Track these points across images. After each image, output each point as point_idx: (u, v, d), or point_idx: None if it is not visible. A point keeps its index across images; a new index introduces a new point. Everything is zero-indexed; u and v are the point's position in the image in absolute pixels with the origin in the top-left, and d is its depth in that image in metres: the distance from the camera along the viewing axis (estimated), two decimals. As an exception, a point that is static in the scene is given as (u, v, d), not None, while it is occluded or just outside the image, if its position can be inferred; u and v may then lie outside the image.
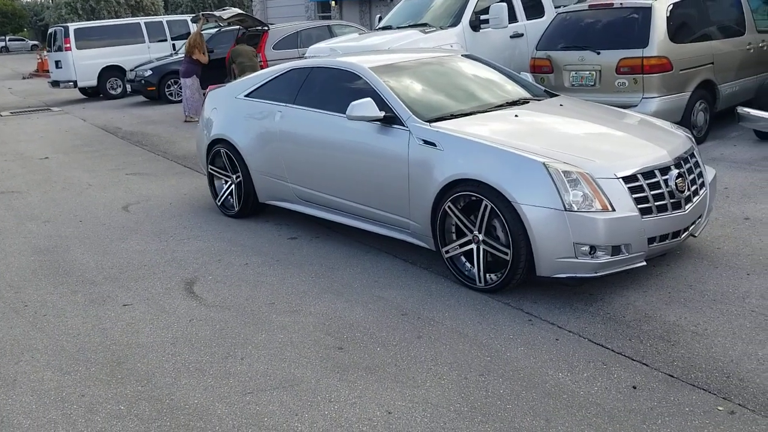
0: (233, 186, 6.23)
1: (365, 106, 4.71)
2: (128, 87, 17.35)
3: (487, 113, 4.82)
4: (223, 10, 13.07)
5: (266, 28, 13.53)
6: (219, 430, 2.98)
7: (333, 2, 21.44)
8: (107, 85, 18.11)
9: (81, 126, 13.51)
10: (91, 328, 4.09)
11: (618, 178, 3.96)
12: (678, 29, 7.55)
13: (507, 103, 5.08)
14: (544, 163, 3.94)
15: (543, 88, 5.71)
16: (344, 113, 5.05)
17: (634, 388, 3.14)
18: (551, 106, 5.06)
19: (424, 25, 9.19)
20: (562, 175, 3.90)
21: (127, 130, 12.53)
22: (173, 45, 18.74)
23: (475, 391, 3.18)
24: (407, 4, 10.14)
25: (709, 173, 4.66)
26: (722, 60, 7.97)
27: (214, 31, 16.50)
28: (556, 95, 5.48)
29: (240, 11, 13.22)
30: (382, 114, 4.72)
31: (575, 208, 3.85)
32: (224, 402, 3.19)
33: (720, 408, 2.94)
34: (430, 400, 3.13)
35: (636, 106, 7.25)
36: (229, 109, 6.22)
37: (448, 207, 4.33)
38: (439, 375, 3.34)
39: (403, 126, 4.66)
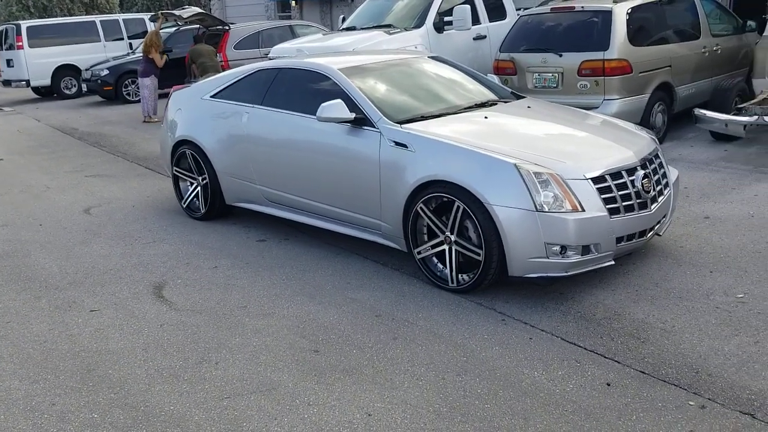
0: (199, 188, 6.15)
1: (336, 108, 4.71)
2: (84, 86, 16.96)
3: (456, 115, 4.86)
4: (183, 8, 12.89)
5: (227, 27, 13.38)
6: (197, 436, 2.95)
7: (293, 2, 21.31)
8: (62, 85, 17.70)
9: (35, 126, 13.17)
10: (58, 334, 3.99)
11: (587, 179, 4.04)
12: (637, 33, 7.72)
13: (476, 104, 5.13)
14: (515, 165, 4.00)
15: (509, 90, 5.78)
16: (313, 114, 5.03)
17: (608, 385, 3.20)
18: (519, 108, 5.13)
19: (389, 26, 9.21)
20: (533, 176, 3.95)
21: (84, 130, 12.26)
22: (130, 44, 18.40)
23: (453, 391, 3.20)
24: (371, 4, 10.15)
25: (673, 174, 4.78)
26: (679, 63, 8.18)
27: (172, 30, 16.25)
28: (523, 97, 5.56)
29: (200, 10, 13.06)
30: (352, 116, 4.72)
31: (546, 209, 3.91)
32: (201, 408, 3.15)
33: (691, 403, 3.02)
34: (408, 401, 3.14)
35: (597, 107, 7.38)
36: (194, 110, 6.14)
37: (420, 208, 4.35)
38: (416, 376, 3.36)
39: (374, 127, 4.67)
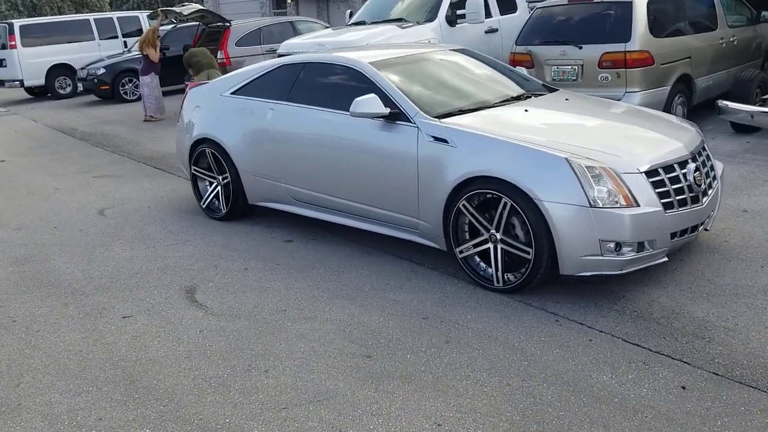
0: (219, 187, 5.96)
1: (370, 102, 4.54)
2: (79, 86, 16.69)
3: (494, 108, 4.70)
4: (183, 5, 12.64)
5: (227, 24, 13.16)
6: (260, 451, 2.78)
7: (289, -2, 21.09)
8: (56, 84, 17.39)
9: (33, 127, 12.90)
10: (93, 343, 3.80)
11: (641, 173, 3.89)
12: (657, 24, 7.59)
13: (511, 98, 4.98)
14: (566, 159, 3.85)
15: (540, 82, 5.63)
16: (343, 110, 4.89)
17: (683, 388, 3.06)
18: (558, 101, 4.98)
19: (401, 20, 9.04)
20: (586, 170, 3.81)
21: (84, 130, 12.02)
22: (125, 42, 18.13)
23: (522, 398, 3.05)
24: (380, -1, 9.97)
25: (718, 167, 4.65)
26: (698, 54, 8.06)
27: (169, 27, 16.00)
28: (556, 90, 5.41)
29: (200, 7, 12.83)
30: (387, 110, 4.55)
31: (600, 204, 3.77)
32: (258, 420, 2.99)
33: (775, 406, 2.89)
34: (477, 409, 2.98)
35: (620, 100, 7.24)
36: (214, 108, 5.95)
37: (463, 205, 4.20)
38: (479, 382, 3.20)
39: (410, 122, 4.50)
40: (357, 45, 8.16)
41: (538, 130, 4.26)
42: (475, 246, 4.25)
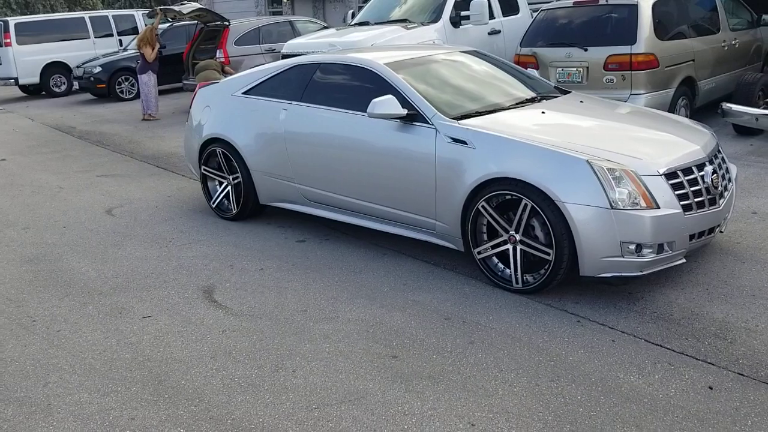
0: (230, 187, 5.96)
1: (388, 104, 4.56)
2: (75, 84, 16.60)
3: (511, 110, 4.73)
4: (182, 4, 12.60)
5: (226, 23, 13.12)
6: (296, 451, 2.80)
7: (285, -3, 21.05)
8: (50, 83, 17.29)
9: (30, 125, 12.82)
10: (116, 343, 3.80)
11: (660, 175, 3.93)
12: (661, 27, 7.66)
13: (526, 99, 5.01)
14: (587, 161, 3.88)
15: (552, 84, 5.66)
16: (358, 110, 4.91)
17: (711, 388, 3.10)
18: (573, 103, 5.02)
19: (405, 20, 9.06)
20: (607, 172, 3.84)
21: (82, 129, 11.96)
22: (120, 41, 18.05)
23: (553, 399, 3.08)
24: (383, -1, 9.99)
25: (732, 169, 4.70)
26: (701, 57, 8.14)
27: (166, 26, 15.95)
28: (568, 92, 5.45)
29: (200, 6, 12.79)
30: (405, 111, 4.57)
31: (621, 206, 3.80)
32: (292, 420, 3.00)
33: (803, 406, 2.93)
34: (509, 409, 3.01)
35: (625, 102, 7.30)
36: (225, 107, 5.95)
37: (482, 207, 4.22)
38: (508, 382, 3.23)
39: (428, 123, 4.53)
40: (364, 45, 8.18)
41: (557, 132, 4.29)
42: (493, 247, 4.28)
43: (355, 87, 5.10)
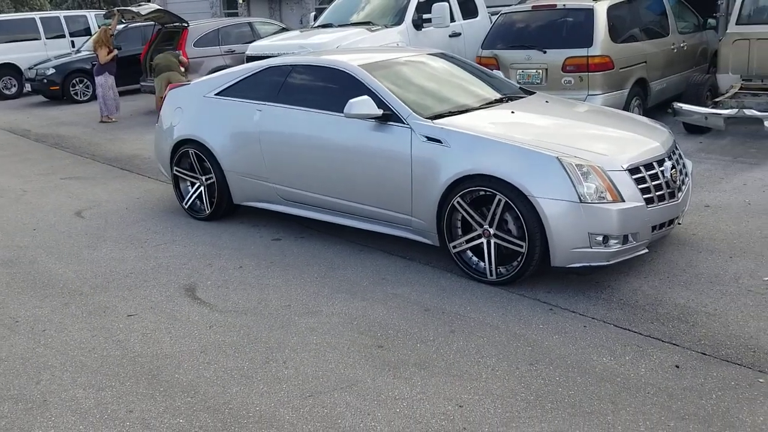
0: (203, 188, 6.02)
1: (364, 104, 4.70)
2: (27, 86, 16.25)
3: (482, 110, 4.93)
4: (140, 5, 12.50)
5: (185, 24, 13.06)
6: (295, 435, 2.92)
7: (240, -1, 20.97)
8: (0, 85, 16.88)
9: (-18, 129, 12.53)
10: (104, 340, 3.86)
11: (624, 170, 4.18)
12: (616, 30, 8.00)
13: (495, 100, 5.22)
14: (558, 158, 4.10)
15: (517, 85, 5.90)
16: (333, 111, 5.05)
17: (677, 367, 3.34)
18: (539, 104, 5.25)
19: (368, 23, 9.22)
20: (576, 168, 4.07)
21: (38, 132, 11.78)
22: (72, 42, 17.74)
23: (533, 380, 3.27)
24: (345, 1, 10.12)
25: (688, 165, 4.99)
26: (653, 59, 8.52)
27: (120, 27, 15.74)
28: (533, 92, 5.68)
29: (158, 7, 12.71)
30: (380, 112, 4.73)
31: (589, 200, 4.03)
32: (288, 407, 3.12)
33: (761, 380, 3.19)
34: (493, 391, 3.19)
35: (583, 102, 7.60)
36: (197, 109, 6.00)
37: (457, 203, 4.41)
38: (490, 366, 3.41)
39: (403, 123, 4.69)
40: (329, 47, 8.31)
41: (527, 131, 4.51)
42: (468, 241, 4.46)
43: (330, 88, 5.24)
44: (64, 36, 17.79)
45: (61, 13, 18.28)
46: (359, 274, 4.71)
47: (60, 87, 15.24)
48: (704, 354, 3.45)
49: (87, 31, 17.75)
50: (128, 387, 3.35)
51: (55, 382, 3.43)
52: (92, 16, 18.38)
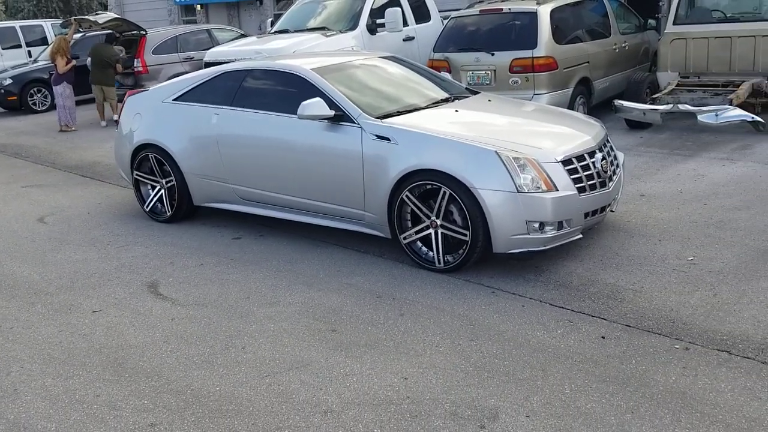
0: (163, 191, 6.21)
1: (316, 106, 4.97)
2: (-18, 97, 16.10)
3: (428, 109, 5.23)
4: (98, 14, 12.61)
5: (143, 32, 13.16)
6: (253, 409, 3.17)
7: (198, 6, 21.05)
8: (-45, 96, 16.70)
9: (-61, 140, 12.46)
10: (70, 335, 4.05)
11: (558, 162, 4.51)
12: (559, 32, 8.39)
13: (441, 99, 5.53)
14: (496, 152, 4.42)
15: (463, 86, 6.22)
16: (287, 113, 5.30)
17: (603, 338, 3.67)
18: (482, 102, 5.57)
19: (324, 28, 9.48)
20: (513, 161, 4.39)
21: (-3, 142, 11.77)
22: (29, 52, 17.65)
23: (472, 354, 3.57)
24: (301, 8, 10.38)
25: (620, 156, 5.36)
26: (595, 59, 8.94)
27: (78, 36, 15.73)
28: (478, 92, 6.01)
29: (116, 15, 12.80)
30: (332, 113, 4.99)
31: (525, 190, 4.35)
32: (246, 386, 3.37)
33: (677, 347, 3.53)
34: (436, 364, 3.48)
35: (530, 101, 7.97)
36: (156, 114, 6.20)
37: (406, 196, 4.69)
38: (434, 344, 3.70)
39: (354, 123, 4.96)
40: (286, 52, 8.55)
41: (469, 128, 4.82)
42: (417, 232, 4.75)
43: (284, 91, 5.49)
44: (20, 46, 17.69)
45: (17, 23, 18.19)
46: (316, 267, 4.97)
47: (18, 97, 15.17)
48: (629, 326, 3.79)
49: (44, 41, 17.68)
50: (95, 375, 3.56)
51: (24, 372, 3.62)
52: (49, 26, 18.31)
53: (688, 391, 3.13)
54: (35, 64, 15.82)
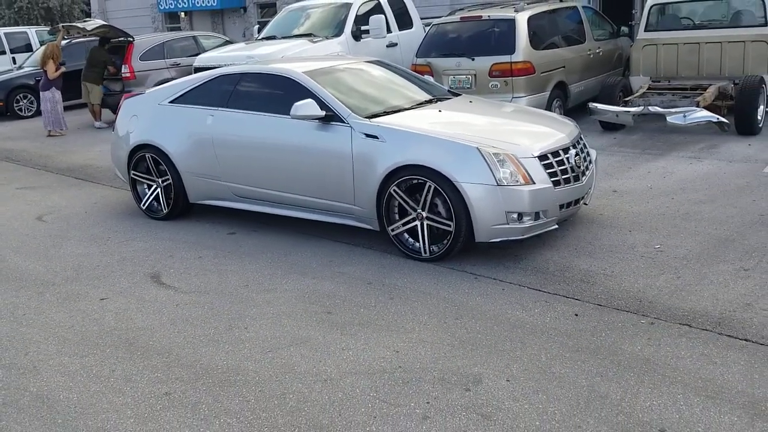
0: (159, 189, 6.48)
1: (308, 106, 5.28)
2: (-32, 103, 16.21)
3: (413, 110, 5.57)
4: (86, 21, 12.82)
5: (131, 39, 13.39)
6: (259, 379, 3.47)
7: (182, 13, 21.29)
8: (-60, 102, 16.78)
9: (-72, 145, 12.58)
10: (81, 320, 4.32)
11: (534, 157, 4.87)
12: (536, 38, 8.79)
13: (425, 101, 5.87)
14: (478, 148, 4.76)
15: (446, 88, 6.57)
16: (280, 114, 5.61)
17: (576, 315, 4.02)
18: (463, 103, 5.93)
19: (310, 35, 9.81)
20: (493, 156, 4.73)
21: (-14, 147, 11.92)
22: (13, 58, 17.78)
23: (457, 330, 3.90)
24: (287, 15, 10.70)
25: (592, 153, 5.73)
26: (571, 64, 9.35)
27: (64, 43, 15.91)
28: (459, 94, 6.36)
29: (103, 22, 13.02)
30: (323, 113, 5.31)
31: (505, 183, 4.70)
32: (251, 360, 3.66)
33: (642, 321, 3.89)
34: (425, 339, 3.80)
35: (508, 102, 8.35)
36: (152, 116, 6.48)
37: (394, 191, 5.02)
38: (422, 323, 4.03)
39: (344, 123, 5.29)
40: (275, 57, 8.86)
41: (452, 127, 5.16)
42: (404, 224, 5.08)
43: (277, 93, 5.80)
44: (4, 53, 17.81)
45: (1, 30, 18.29)
46: (309, 258, 5.27)
47: (4, 103, 15.31)
48: (600, 305, 4.14)
49: (28, 48, 17.83)
50: (108, 353, 3.83)
51: (41, 353, 3.89)
52: (33, 33, 18.46)
53: (652, 358, 3.48)
54: (20, 71, 15.97)
